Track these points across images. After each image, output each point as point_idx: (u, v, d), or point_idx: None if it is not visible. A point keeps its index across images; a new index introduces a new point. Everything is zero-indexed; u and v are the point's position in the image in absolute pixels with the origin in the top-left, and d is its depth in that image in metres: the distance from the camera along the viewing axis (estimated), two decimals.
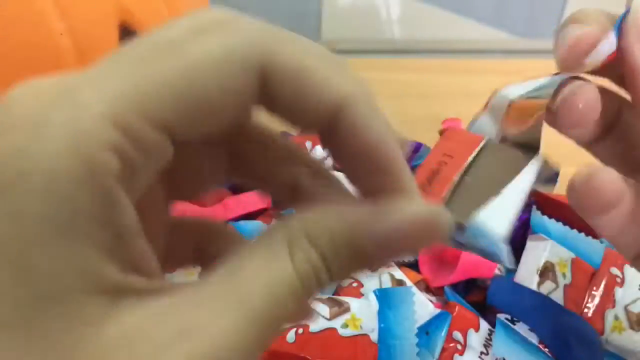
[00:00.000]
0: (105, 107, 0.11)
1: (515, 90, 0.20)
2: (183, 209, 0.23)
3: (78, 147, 0.11)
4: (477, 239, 0.18)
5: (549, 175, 0.19)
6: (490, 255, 0.19)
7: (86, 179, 0.11)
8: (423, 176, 0.20)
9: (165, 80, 0.12)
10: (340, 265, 0.13)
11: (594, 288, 0.34)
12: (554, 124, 0.19)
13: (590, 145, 0.21)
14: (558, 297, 0.34)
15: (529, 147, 0.19)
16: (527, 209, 0.38)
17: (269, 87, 0.13)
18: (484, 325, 0.32)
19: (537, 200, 0.39)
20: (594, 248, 0.36)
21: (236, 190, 0.44)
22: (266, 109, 0.14)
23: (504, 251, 0.18)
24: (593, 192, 0.18)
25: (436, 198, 0.19)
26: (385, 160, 0.14)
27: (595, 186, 0.17)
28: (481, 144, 0.19)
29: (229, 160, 0.17)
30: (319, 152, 0.44)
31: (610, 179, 0.18)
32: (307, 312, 0.15)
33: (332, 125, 0.14)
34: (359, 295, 0.33)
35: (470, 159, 0.19)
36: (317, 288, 0.13)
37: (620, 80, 0.19)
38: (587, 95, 0.18)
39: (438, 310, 0.32)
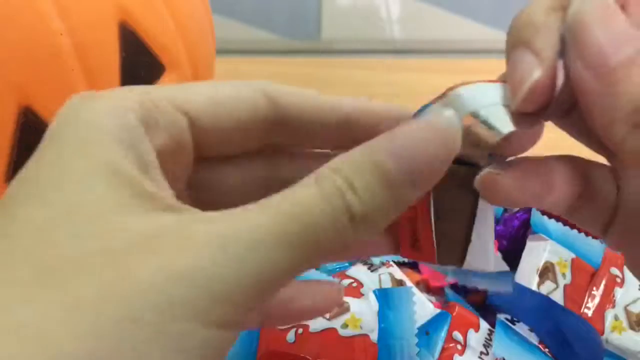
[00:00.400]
0: (140, 91, 0.15)
1: (471, 98, 0.16)
2: None
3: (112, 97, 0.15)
4: (474, 279, 0.20)
5: None
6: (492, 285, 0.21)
7: (116, 114, 0.14)
8: (405, 233, 0.20)
9: (194, 90, 0.16)
10: (366, 185, 0.13)
11: (594, 288, 0.34)
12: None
13: (558, 121, 0.18)
14: (558, 297, 0.34)
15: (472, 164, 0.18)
16: (527, 209, 0.38)
17: (279, 110, 0.17)
18: (484, 325, 0.32)
19: None
20: (594, 248, 0.36)
21: None
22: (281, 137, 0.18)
23: (502, 281, 0.20)
24: (502, 196, 0.17)
25: (429, 252, 0.19)
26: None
27: (500, 191, 0.17)
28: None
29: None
30: None
31: (507, 187, 0.16)
32: (344, 243, 0.14)
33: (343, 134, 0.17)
34: (359, 295, 0.33)
35: (431, 201, 0.19)
36: (346, 211, 0.13)
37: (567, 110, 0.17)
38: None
39: (438, 310, 0.32)
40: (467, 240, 0.19)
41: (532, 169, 0.17)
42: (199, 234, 0.12)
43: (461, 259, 0.19)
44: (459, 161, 0.17)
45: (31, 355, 0.10)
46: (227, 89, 0.16)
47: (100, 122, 0.14)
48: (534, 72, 0.15)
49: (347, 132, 0.18)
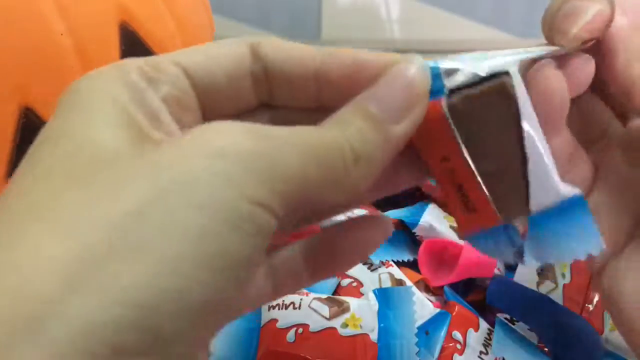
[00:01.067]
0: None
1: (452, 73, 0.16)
2: None
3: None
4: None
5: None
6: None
7: (117, 75, 0.15)
8: (455, 200, 0.17)
9: (190, 49, 0.18)
10: (358, 129, 0.15)
11: None
12: None
13: None
14: (557, 296, 0.34)
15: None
16: None
17: (262, 62, 0.17)
18: (484, 324, 0.32)
19: None
20: None
21: None
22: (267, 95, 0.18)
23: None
24: None
25: (485, 209, 0.17)
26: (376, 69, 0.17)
27: None
28: (446, 113, 0.16)
29: None
30: None
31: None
32: (350, 176, 0.15)
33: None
34: (359, 294, 0.33)
35: (460, 141, 0.16)
36: (349, 147, 0.15)
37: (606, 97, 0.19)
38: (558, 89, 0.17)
39: (438, 310, 0.32)
40: (524, 173, 0.16)
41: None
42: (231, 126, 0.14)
43: (526, 201, 0.16)
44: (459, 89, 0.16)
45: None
46: (217, 45, 0.18)
47: (104, 83, 0.15)
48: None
49: (326, 85, 0.18)
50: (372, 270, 0.35)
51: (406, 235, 0.40)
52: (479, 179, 0.16)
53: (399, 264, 0.37)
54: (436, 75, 0.16)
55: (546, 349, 0.31)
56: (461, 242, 0.37)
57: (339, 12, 0.83)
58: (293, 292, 0.20)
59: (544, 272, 0.35)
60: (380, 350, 0.29)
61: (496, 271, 0.36)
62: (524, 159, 0.16)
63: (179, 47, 0.36)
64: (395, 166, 0.18)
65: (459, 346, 0.30)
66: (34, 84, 0.29)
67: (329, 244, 0.19)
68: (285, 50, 0.18)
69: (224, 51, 0.18)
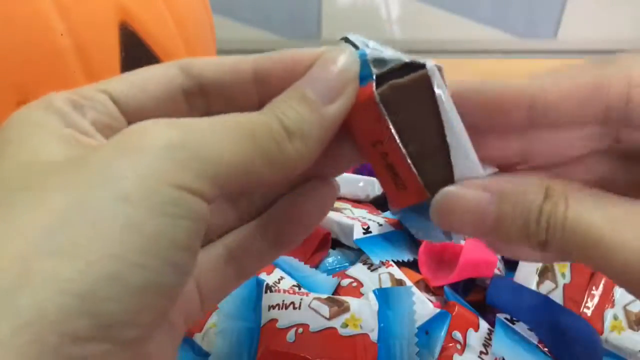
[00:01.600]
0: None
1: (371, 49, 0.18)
2: None
3: None
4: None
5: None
6: None
7: (44, 105, 0.16)
8: (387, 178, 0.19)
9: (115, 78, 0.19)
10: (294, 110, 0.16)
11: (593, 288, 0.34)
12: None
13: None
14: (557, 296, 0.34)
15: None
16: None
17: (194, 79, 0.18)
18: (484, 324, 0.32)
19: None
20: None
21: None
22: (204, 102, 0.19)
23: None
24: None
25: (415, 186, 0.18)
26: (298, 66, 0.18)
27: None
28: (376, 97, 0.17)
29: None
30: None
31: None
32: (286, 154, 0.16)
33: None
34: (359, 294, 0.33)
35: (390, 124, 0.17)
36: (282, 126, 0.16)
37: None
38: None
39: (438, 310, 0.32)
40: (447, 152, 0.18)
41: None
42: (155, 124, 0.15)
43: (450, 175, 0.18)
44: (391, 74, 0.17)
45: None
46: (145, 70, 0.18)
47: (31, 113, 0.16)
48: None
49: (266, 87, 0.18)
50: (372, 270, 0.35)
51: (406, 235, 0.40)
52: (408, 160, 0.17)
53: (399, 264, 0.37)
54: (365, 62, 0.17)
55: (546, 349, 0.31)
56: (461, 242, 0.37)
57: (339, 12, 0.83)
58: (258, 270, 0.22)
59: (544, 272, 0.35)
60: (380, 350, 0.29)
61: (496, 271, 0.36)
62: (445, 142, 0.17)
63: (179, 47, 0.36)
64: (337, 146, 0.19)
65: (459, 346, 0.30)
66: (34, 83, 0.29)
67: (283, 213, 0.20)
68: (217, 63, 0.19)
69: (151, 75, 0.18)
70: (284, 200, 0.21)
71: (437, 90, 0.17)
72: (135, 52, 0.33)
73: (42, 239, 0.12)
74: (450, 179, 0.18)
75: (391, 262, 0.36)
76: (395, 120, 0.17)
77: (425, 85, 0.17)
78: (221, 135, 0.15)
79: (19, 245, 0.12)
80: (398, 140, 0.17)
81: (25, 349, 0.11)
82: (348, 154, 0.19)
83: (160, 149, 0.14)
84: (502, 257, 0.38)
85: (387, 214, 0.42)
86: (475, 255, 0.35)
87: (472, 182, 0.17)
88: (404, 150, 0.17)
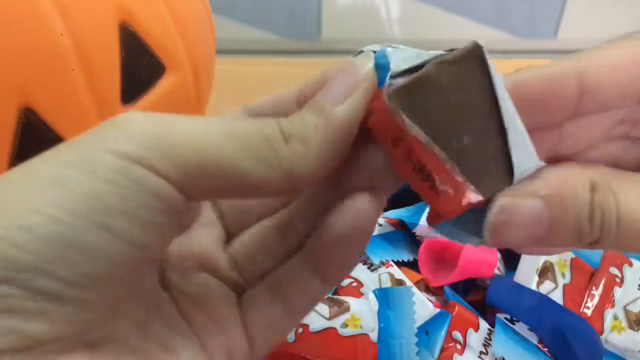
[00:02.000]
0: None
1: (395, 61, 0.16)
2: None
3: None
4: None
5: None
6: None
7: None
8: (418, 181, 0.16)
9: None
10: (299, 115, 0.16)
11: (593, 288, 0.34)
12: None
13: None
14: (557, 296, 0.34)
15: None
16: None
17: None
18: (484, 325, 0.32)
19: None
20: None
21: None
22: None
23: None
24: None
25: (456, 187, 0.15)
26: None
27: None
28: (385, 100, 0.15)
29: None
30: None
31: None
32: (282, 159, 0.15)
33: None
34: (359, 294, 0.33)
35: (415, 127, 0.14)
36: (279, 129, 0.15)
37: None
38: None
39: (438, 310, 0.32)
40: (503, 143, 0.14)
41: None
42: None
43: (506, 172, 0.15)
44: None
45: None
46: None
47: None
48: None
49: None
50: (372, 270, 0.35)
51: (406, 235, 0.40)
52: (444, 160, 0.15)
53: (399, 264, 0.37)
54: (383, 65, 0.16)
55: (546, 349, 0.31)
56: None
57: (339, 12, 0.83)
58: (309, 309, 0.19)
59: (544, 272, 0.35)
60: (380, 350, 0.29)
61: (496, 271, 0.36)
62: (501, 128, 0.15)
63: (179, 47, 0.36)
64: (368, 156, 0.17)
65: (459, 346, 0.30)
66: (34, 84, 0.29)
67: (321, 236, 0.18)
68: (266, 101, 0.19)
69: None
70: (322, 224, 0.18)
71: (490, 64, 0.15)
72: (136, 52, 0.33)
73: None
74: (508, 175, 0.15)
75: (391, 262, 0.36)
76: (428, 116, 0.15)
77: (478, 60, 0.15)
78: (202, 129, 0.14)
79: None
80: (427, 140, 0.15)
81: None
82: (382, 165, 0.17)
83: (124, 129, 0.14)
84: (502, 257, 0.38)
85: (388, 214, 0.42)
86: (475, 255, 0.35)
87: (522, 189, 0.15)
88: (436, 150, 0.15)
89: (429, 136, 0.15)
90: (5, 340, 0.12)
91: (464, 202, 0.15)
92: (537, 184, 0.16)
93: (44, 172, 0.13)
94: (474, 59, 0.15)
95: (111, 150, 0.14)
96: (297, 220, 0.19)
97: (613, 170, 0.16)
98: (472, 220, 0.16)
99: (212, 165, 0.14)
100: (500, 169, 0.15)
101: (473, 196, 0.15)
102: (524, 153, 0.15)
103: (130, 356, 0.15)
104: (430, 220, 0.17)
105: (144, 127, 0.14)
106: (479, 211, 0.16)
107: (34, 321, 0.13)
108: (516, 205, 0.15)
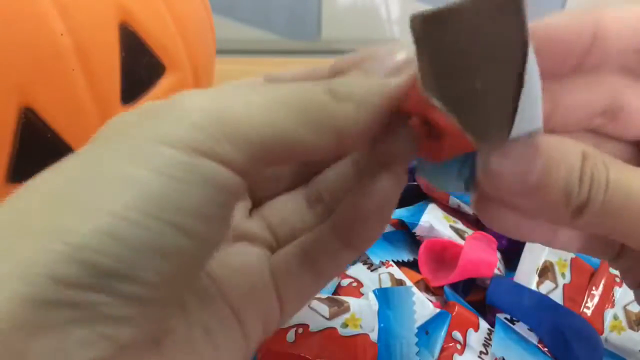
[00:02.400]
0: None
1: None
2: None
3: None
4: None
5: None
6: None
7: None
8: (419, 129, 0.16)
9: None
10: (347, 77, 0.16)
11: (593, 288, 0.34)
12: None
13: None
14: (557, 296, 0.34)
15: None
16: None
17: None
18: (484, 324, 0.32)
19: None
20: None
21: None
22: None
23: None
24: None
25: (454, 133, 0.15)
26: None
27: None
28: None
29: None
30: None
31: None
32: (334, 117, 0.15)
33: None
34: (359, 294, 0.33)
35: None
36: (328, 89, 0.15)
37: None
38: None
39: (438, 310, 0.32)
40: (516, 95, 0.14)
41: None
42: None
43: (507, 126, 0.14)
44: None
45: None
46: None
47: None
48: None
49: None
50: (372, 270, 0.35)
51: (406, 235, 0.40)
52: (445, 103, 0.14)
53: (399, 264, 0.37)
54: None
55: (546, 349, 0.31)
56: (461, 242, 0.37)
57: (339, 12, 0.83)
58: (336, 274, 0.20)
59: (544, 272, 0.35)
60: (380, 350, 0.29)
61: (496, 271, 0.36)
62: (519, 80, 0.14)
63: (179, 47, 0.36)
64: (394, 132, 0.17)
65: (459, 346, 0.30)
66: (34, 84, 0.29)
67: (349, 208, 0.19)
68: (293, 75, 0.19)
69: None
70: (350, 195, 0.19)
71: (525, 9, 0.14)
72: (136, 52, 0.33)
73: (49, 195, 0.13)
74: (507, 129, 0.14)
75: (391, 262, 0.36)
76: (446, 45, 0.14)
77: (513, 4, 0.14)
78: (253, 101, 0.14)
79: (29, 201, 0.13)
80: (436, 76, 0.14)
81: (15, 286, 0.11)
82: (405, 139, 0.17)
83: (180, 113, 0.13)
84: (502, 257, 0.38)
85: None
86: (475, 255, 0.35)
87: (517, 140, 0.15)
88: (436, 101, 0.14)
89: (443, 73, 0.14)
90: (99, 348, 0.12)
91: (457, 151, 0.16)
92: (535, 137, 0.16)
93: (109, 171, 0.13)
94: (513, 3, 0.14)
95: (174, 141, 0.13)
96: (324, 192, 0.20)
97: (601, 152, 0.16)
98: (457, 167, 0.17)
99: (274, 140, 0.14)
100: (501, 124, 0.14)
101: (468, 144, 0.14)
102: (529, 113, 0.14)
103: (185, 346, 0.15)
104: (419, 161, 0.18)
105: (202, 108, 0.13)
106: (469, 157, 0.16)
107: (122, 327, 0.12)
108: (512, 145, 0.15)
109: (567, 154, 0.15)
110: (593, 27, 0.16)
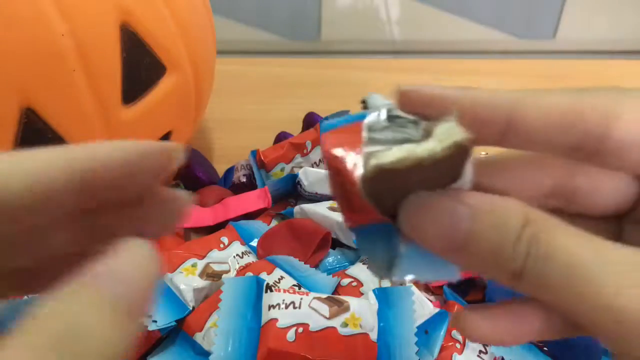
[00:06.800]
0: None
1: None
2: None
3: None
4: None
5: None
6: None
7: None
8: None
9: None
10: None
11: None
12: None
13: None
14: None
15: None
16: None
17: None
18: None
19: None
20: None
21: (237, 190, 0.45)
22: None
23: None
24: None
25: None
26: None
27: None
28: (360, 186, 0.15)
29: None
30: (318, 152, 0.44)
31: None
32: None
33: None
34: (359, 294, 0.33)
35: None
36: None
37: None
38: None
39: (437, 310, 0.32)
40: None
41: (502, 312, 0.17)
42: None
43: None
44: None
45: None
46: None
47: None
48: None
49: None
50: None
51: None
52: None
53: None
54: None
55: (545, 349, 0.32)
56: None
57: (339, 12, 0.84)
58: None
59: None
60: (380, 350, 0.29)
61: None
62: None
63: (179, 47, 0.36)
64: None
65: (458, 345, 0.30)
66: (35, 84, 0.29)
67: None
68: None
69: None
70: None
71: (467, 172, 0.15)
72: (136, 52, 0.33)
73: None
74: None
75: None
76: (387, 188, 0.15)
77: (460, 154, 0.14)
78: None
79: None
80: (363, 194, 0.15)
81: None
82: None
83: None
84: None
85: None
86: None
87: (447, 191, 0.15)
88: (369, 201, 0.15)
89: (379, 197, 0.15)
90: None
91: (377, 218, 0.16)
92: (469, 194, 0.15)
93: None
94: (461, 152, 0.14)
95: None
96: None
97: (553, 216, 0.15)
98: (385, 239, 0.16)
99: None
100: None
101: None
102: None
103: None
104: (345, 224, 0.17)
105: None
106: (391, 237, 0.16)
107: None
108: (437, 199, 0.15)
109: (504, 217, 0.15)
110: (508, 114, 0.16)
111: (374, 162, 0.14)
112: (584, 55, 0.84)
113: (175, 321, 0.32)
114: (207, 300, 0.33)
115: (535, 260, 0.14)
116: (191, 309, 0.33)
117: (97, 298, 0.11)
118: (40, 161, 0.13)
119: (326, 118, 0.46)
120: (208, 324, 0.31)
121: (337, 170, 0.15)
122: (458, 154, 0.14)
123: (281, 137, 0.49)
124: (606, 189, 0.17)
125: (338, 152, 0.15)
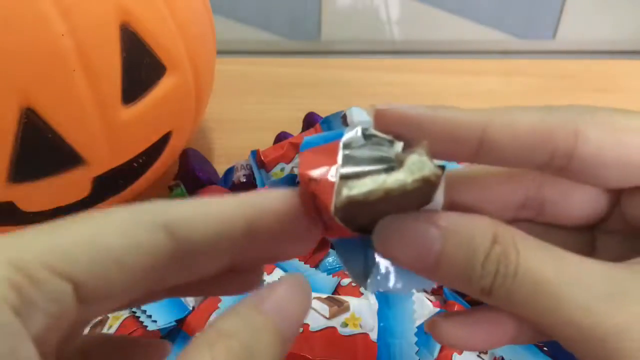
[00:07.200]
0: (11, 255, 0.12)
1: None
2: None
3: None
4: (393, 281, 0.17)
5: None
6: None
7: None
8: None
9: (72, 239, 0.13)
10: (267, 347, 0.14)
11: None
12: None
13: None
14: None
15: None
16: None
17: (180, 246, 0.14)
18: None
19: None
20: None
21: (237, 190, 0.45)
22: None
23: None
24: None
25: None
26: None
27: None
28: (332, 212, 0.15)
29: None
30: None
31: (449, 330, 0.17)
32: None
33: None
34: (359, 294, 0.33)
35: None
36: None
37: None
38: None
39: (437, 309, 0.32)
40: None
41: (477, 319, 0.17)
42: None
43: None
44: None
45: None
46: (116, 234, 0.13)
47: None
48: None
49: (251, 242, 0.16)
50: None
51: None
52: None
53: None
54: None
55: (545, 349, 0.32)
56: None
57: (339, 12, 0.83)
58: None
59: None
60: (380, 350, 0.29)
61: None
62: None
63: (180, 47, 0.36)
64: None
65: None
66: (35, 84, 0.29)
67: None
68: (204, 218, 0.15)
69: (126, 242, 0.13)
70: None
71: (438, 195, 0.15)
72: (136, 52, 0.33)
73: None
74: None
75: None
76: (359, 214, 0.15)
77: (432, 184, 0.15)
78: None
79: None
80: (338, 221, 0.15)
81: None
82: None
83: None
84: None
85: None
86: None
87: (422, 214, 0.16)
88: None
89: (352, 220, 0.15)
90: None
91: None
92: (441, 215, 0.16)
93: None
94: (431, 184, 0.15)
95: None
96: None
97: (521, 232, 0.16)
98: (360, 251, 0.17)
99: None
100: None
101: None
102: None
103: None
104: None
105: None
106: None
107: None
108: (405, 221, 0.15)
109: (473, 236, 0.15)
110: (481, 134, 0.16)
111: (345, 192, 0.14)
112: (584, 55, 0.84)
113: (175, 321, 0.32)
114: (207, 300, 0.33)
115: (503, 278, 0.15)
116: (191, 309, 0.33)
117: (270, 326, 0.14)
118: (228, 209, 0.15)
119: (326, 118, 0.46)
120: (208, 324, 0.31)
121: (312, 194, 0.16)
122: (427, 186, 0.15)
123: (281, 137, 0.49)
124: (576, 201, 0.18)
125: (314, 173, 0.15)
